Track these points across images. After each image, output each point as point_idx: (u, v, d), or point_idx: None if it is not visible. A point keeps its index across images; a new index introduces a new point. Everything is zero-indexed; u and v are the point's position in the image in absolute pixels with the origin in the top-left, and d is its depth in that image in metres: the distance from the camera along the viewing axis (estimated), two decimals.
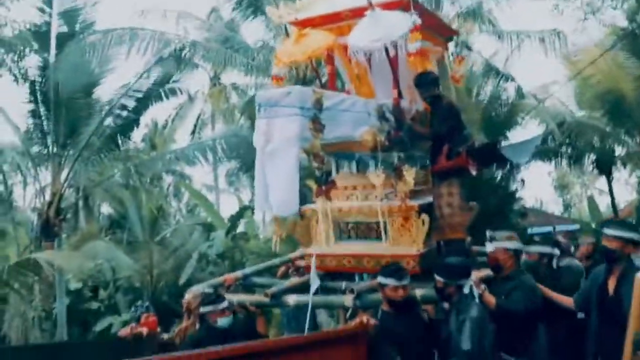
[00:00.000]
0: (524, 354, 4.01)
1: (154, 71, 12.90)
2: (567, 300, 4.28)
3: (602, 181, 17.08)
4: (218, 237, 17.45)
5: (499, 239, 4.42)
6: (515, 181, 14.99)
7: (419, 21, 4.83)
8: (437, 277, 4.08)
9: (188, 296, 5.14)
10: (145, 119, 22.39)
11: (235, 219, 17.76)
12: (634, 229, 3.95)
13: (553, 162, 16.09)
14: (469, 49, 14.49)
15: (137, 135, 23.84)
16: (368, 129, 4.63)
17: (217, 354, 3.28)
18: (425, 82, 5.36)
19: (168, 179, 23.47)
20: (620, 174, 17.33)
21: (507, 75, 14.41)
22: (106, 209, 22.49)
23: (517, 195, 15.89)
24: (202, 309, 4.68)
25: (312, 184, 4.44)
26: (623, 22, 13.12)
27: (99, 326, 15.78)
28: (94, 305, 16.53)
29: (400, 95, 5.31)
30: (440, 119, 5.36)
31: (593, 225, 16.64)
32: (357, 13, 5.04)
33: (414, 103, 5.66)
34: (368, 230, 5.32)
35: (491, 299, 4.13)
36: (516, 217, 16.25)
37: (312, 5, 5.61)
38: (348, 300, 4.53)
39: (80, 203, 18.83)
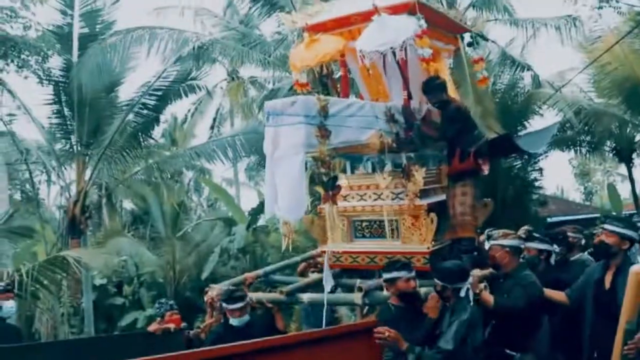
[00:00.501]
0: (527, 349, 4.15)
1: (172, 69, 13.11)
2: (560, 296, 4.42)
3: (624, 168, 16.86)
4: (239, 231, 17.71)
5: (495, 237, 4.56)
6: (533, 170, 15.00)
7: (424, 25, 4.94)
8: (436, 281, 4.21)
9: (211, 293, 5.34)
10: (165, 114, 22.83)
11: (255, 213, 17.94)
12: (631, 226, 4.10)
13: (572, 150, 15.99)
14: (484, 38, 14.43)
15: (158, 131, 24.33)
16: (375, 132, 4.77)
17: (238, 347, 3.47)
18: (431, 89, 5.47)
19: (189, 174, 23.80)
20: None
21: (523, 64, 14.35)
22: (129, 205, 22.92)
23: (537, 184, 15.90)
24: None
25: (319, 189, 4.60)
26: None
27: (124, 321, 16.24)
28: (119, 300, 16.99)
29: (410, 96, 5.44)
30: (448, 122, 5.49)
31: (614, 213, 16.53)
32: (366, 17, 5.15)
33: (425, 103, 5.79)
34: (381, 229, 5.48)
35: (489, 298, 4.28)
36: (536, 206, 16.27)
37: (324, 10, 5.76)
38: (357, 297, 4.71)
39: (104, 200, 19.26)
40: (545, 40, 13.68)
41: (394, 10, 5.08)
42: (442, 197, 5.65)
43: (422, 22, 4.93)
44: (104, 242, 16.88)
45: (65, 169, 13.61)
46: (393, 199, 5.40)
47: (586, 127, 14.42)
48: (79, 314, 13.07)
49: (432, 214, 5.19)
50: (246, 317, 4.86)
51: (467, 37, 14.17)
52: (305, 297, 5.13)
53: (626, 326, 3.42)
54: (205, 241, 19.03)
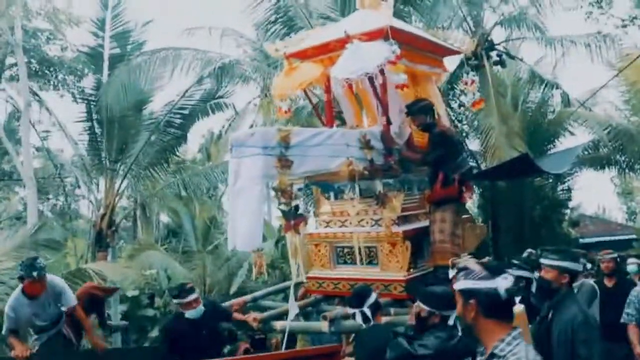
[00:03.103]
0: None
1: (197, 88, 13.41)
2: None
3: None
4: (268, 247, 17.83)
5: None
6: (563, 190, 14.60)
7: (398, 50, 4.91)
8: (422, 305, 3.91)
9: None
10: (202, 129, 23.29)
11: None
12: (570, 257, 3.75)
13: (607, 168, 15.45)
14: (511, 57, 14.22)
15: (194, 146, 24.88)
16: (344, 160, 4.75)
17: None
18: (415, 111, 5.46)
19: (222, 188, 24.16)
20: None
21: (552, 82, 14.03)
22: (165, 218, 23.44)
23: (568, 203, 15.44)
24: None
25: (280, 219, 4.63)
26: None
27: (155, 332, 16.56)
28: (150, 312, 17.34)
29: (389, 121, 5.41)
30: (432, 146, 5.43)
31: None
32: (344, 43, 5.17)
33: (409, 127, 5.75)
34: (361, 256, 5.44)
35: None
36: (567, 226, 15.78)
37: (308, 38, 5.83)
38: (324, 326, 4.69)
39: (138, 213, 19.78)
40: (576, 57, 13.25)
41: (370, 36, 5.08)
42: (426, 223, 5.59)
43: (395, 47, 4.91)
44: (136, 254, 17.28)
45: (95, 183, 14.07)
46: (372, 226, 5.38)
47: (620, 146, 13.93)
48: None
49: (407, 242, 5.13)
50: (201, 307, 5.17)
51: (493, 55, 14.06)
52: (279, 324, 5.13)
53: None
54: (235, 255, 19.25)
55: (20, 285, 5.03)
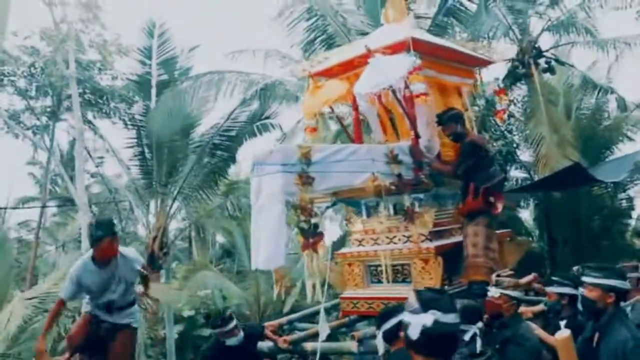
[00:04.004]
0: None
1: (242, 110, 13.59)
2: None
3: None
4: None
5: (504, 285, 4.20)
6: (624, 199, 13.91)
7: (418, 62, 4.80)
8: None
9: None
10: (253, 150, 23.49)
11: (337, 247, 17.91)
12: (615, 275, 3.47)
13: None
14: (561, 63, 13.75)
15: (247, 167, 25.10)
16: (369, 176, 4.64)
17: None
18: (446, 120, 5.33)
19: None
20: None
21: (606, 87, 13.45)
22: (220, 238, 23.79)
23: (632, 213, 14.70)
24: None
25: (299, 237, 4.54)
26: None
27: None
28: (206, 332, 17.55)
29: (417, 135, 5.27)
30: (462, 157, 5.26)
31: None
32: (367, 58, 5.10)
33: (439, 140, 5.59)
34: (395, 274, 5.32)
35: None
36: (631, 237, 15.01)
37: (331, 56, 5.80)
38: (353, 346, 4.57)
39: (193, 234, 20.15)
40: (630, 59, 12.69)
41: (393, 49, 5.01)
42: (460, 238, 5.38)
43: (416, 59, 4.80)
44: (190, 275, 17.60)
45: (146, 207, 14.43)
46: (404, 242, 5.23)
47: None
48: (157, 345, 13.64)
49: (439, 258, 4.95)
50: (241, 334, 5.20)
51: (542, 62, 13.60)
52: (309, 346, 5.03)
53: None
54: (289, 274, 19.29)
55: (90, 252, 4.48)
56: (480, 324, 3.74)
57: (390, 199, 5.05)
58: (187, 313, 17.23)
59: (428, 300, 2.06)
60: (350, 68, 5.49)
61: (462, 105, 5.79)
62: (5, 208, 19.37)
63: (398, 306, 4.50)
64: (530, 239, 15.68)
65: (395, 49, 5.00)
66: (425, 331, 1.99)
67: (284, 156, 4.25)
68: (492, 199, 5.06)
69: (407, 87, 5.00)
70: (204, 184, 14.29)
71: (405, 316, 2.11)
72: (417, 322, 2.01)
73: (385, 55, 4.97)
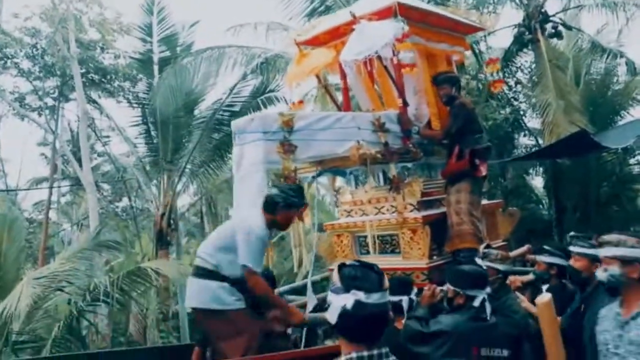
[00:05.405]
0: None
1: (244, 84, 13.50)
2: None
3: None
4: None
5: (492, 258, 4.13)
6: (633, 165, 13.67)
7: (406, 28, 4.69)
8: (448, 286, 3.63)
9: None
10: None
11: None
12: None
13: None
14: (569, 28, 13.42)
15: None
16: (354, 144, 4.56)
17: None
18: (441, 81, 5.23)
19: None
20: None
21: (615, 51, 13.12)
22: (232, 212, 23.87)
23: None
24: None
25: None
26: None
27: None
28: None
29: (405, 103, 5.18)
30: (452, 117, 5.15)
31: None
32: (353, 25, 5.00)
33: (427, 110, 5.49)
34: (384, 245, 5.28)
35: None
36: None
37: (318, 25, 5.70)
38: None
39: (204, 209, 20.28)
40: None
41: (379, 15, 4.89)
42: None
43: (403, 25, 4.68)
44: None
45: (155, 184, 14.51)
46: (392, 213, 5.17)
47: None
48: (168, 320, 13.82)
49: (427, 227, 4.89)
50: None
51: (548, 27, 13.28)
52: None
53: None
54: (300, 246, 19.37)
55: (264, 216, 3.87)
56: (488, 289, 3.53)
57: (377, 168, 4.98)
58: None
59: (351, 278, 1.84)
60: (337, 36, 5.38)
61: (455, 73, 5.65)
62: (11, 190, 19.60)
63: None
64: (541, 206, 15.53)
65: (382, 15, 4.88)
66: (344, 314, 1.79)
67: (265, 124, 4.18)
68: (477, 162, 4.96)
69: (394, 54, 4.91)
70: (210, 160, 14.30)
71: (329, 296, 1.89)
72: (336, 304, 1.80)
73: (372, 21, 4.86)
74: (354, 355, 1.79)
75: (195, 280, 3.79)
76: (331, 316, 1.82)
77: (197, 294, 3.79)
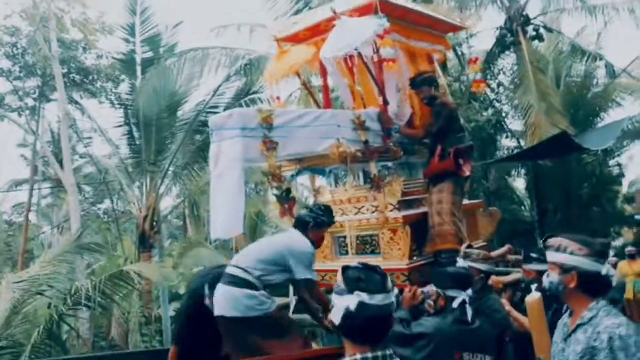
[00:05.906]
0: None
1: (228, 85, 13.45)
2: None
3: None
4: None
5: (473, 258, 4.11)
6: (613, 166, 13.85)
7: (386, 24, 4.67)
8: (433, 288, 3.61)
9: None
10: None
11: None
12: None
13: None
14: (549, 30, 13.56)
15: None
16: (334, 142, 4.53)
17: None
18: (419, 83, 5.21)
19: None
20: None
21: (594, 53, 13.29)
22: None
23: (622, 179, 14.66)
24: None
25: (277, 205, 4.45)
26: None
27: None
28: None
29: (385, 101, 5.16)
30: (434, 117, 5.16)
31: None
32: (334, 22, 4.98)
33: (409, 106, 5.49)
34: (363, 245, 5.22)
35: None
36: (621, 203, 14.98)
37: (298, 22, 5.66)
38: None
39: (187, 212, 20.13)
40: (619, 25, 12.55)
41: (360, 12, 4.87)
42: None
43: (384, 21, 4.67)
44: (185, 253, 17.62)
45: (136, 186, 14.37)
46: (372, 212, 5.13)
47: None
48: (151, 323, 13.69)
49: (407, 227, 4.86)
50: None
51: (530, 30, 13.41)
52: None
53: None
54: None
55: (299, 234, 4.08)
56: (469, 291, 3.50)
57: (357, 166, 4.95)
58: (183, 290, 17.28)
59: (354, 279, 1.85)
60: (317, 33, 5.34)
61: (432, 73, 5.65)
62: None
63: None
64: (523, 207, 15.66)
65: (362, 11, 4.85)
66: (347, 315, 1.80)
67: (243, 120, 4.11)
68: (461, 161, 4.97)
69: (375, 51, 4.89)
70: (193, 161, 14.21)
71: (333, 297, 1.89)
72: (340, 305, 1.81)
73: (352, 17, 4.84)
74: (358, 356, 1.81)
75: (230, 288, 3.78)
76: (335, 317, 1.83)
77: (234, 302, 3.77)
